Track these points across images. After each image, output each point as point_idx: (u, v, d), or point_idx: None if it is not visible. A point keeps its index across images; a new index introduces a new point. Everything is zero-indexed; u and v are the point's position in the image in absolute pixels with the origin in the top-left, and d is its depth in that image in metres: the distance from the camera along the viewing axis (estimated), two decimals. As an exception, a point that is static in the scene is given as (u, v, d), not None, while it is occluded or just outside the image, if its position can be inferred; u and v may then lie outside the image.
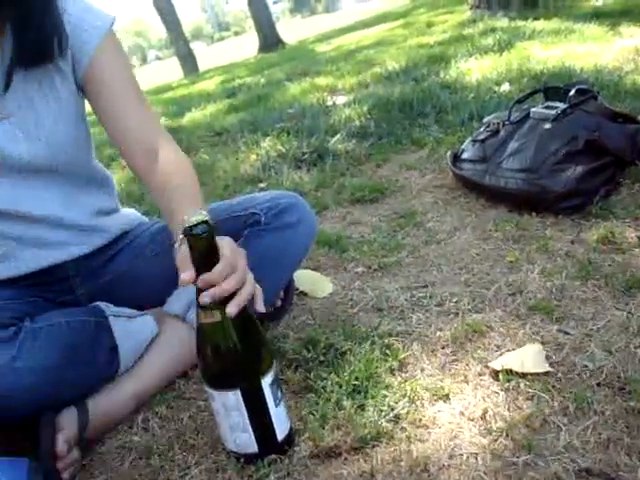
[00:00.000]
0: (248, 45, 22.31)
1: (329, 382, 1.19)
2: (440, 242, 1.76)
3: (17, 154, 1.24)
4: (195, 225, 0.94)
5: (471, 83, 3.22)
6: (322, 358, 1.28)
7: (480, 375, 1.18)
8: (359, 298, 1.54)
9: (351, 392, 1.16)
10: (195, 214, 0.96)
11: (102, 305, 1.34)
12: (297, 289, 1.61)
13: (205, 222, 0.94)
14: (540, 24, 4.68)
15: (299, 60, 6.32)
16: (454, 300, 1.45)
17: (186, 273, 0.95)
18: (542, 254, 1.58)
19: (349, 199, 2.19)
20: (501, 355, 1.22)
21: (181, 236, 1.00)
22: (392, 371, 1.22)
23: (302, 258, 1.52)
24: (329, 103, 3.44)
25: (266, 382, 1.02)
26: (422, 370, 1.22)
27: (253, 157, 2.78)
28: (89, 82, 1.27)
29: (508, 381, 1.13)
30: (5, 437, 1.17)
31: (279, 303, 1.52)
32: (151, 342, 1.34)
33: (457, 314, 1.40)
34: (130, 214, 1.57)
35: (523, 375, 1.14)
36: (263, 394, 1.02)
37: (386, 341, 1.32)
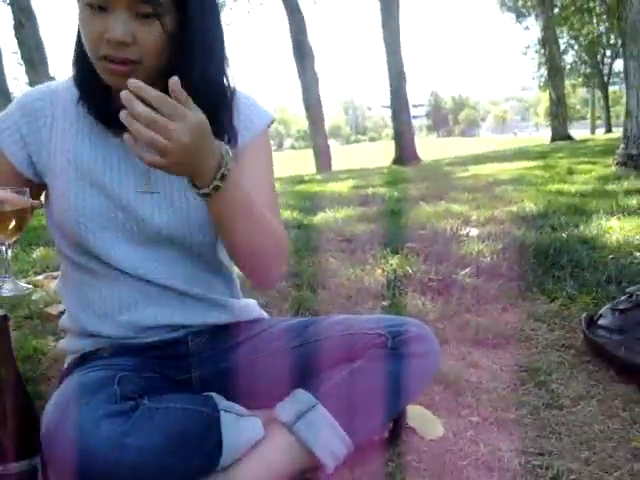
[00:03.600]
0: (381, 152, 23.01)
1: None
2: (562, 408, 1.67)
3: (157, 223, 1.31)
4: None
5: (611, 243, 3.13)
6: (426, 510, 1.22)
7: None
8: (470, 450, 1.47)
9: None
10: None
11: (216, 397, 1.33)
12: (407, 424, 1.55)
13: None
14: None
15: (434, 181, 6.41)
16: (571, 477, 1.36)
17: None
18: (672, 445, 1.46)
19: (471, 339, 2.13)
20: None
21: None
22: None
23: (421, 391, 1.48)
24: (462, 232, 3.42)
25: None
26: None
27: (379, 272, 2.79)
28: None
29: None
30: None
31: (387, 435, 1.47)
32: (254, 445, 1.31)
33: (573, 493, 1.30)
34: (251, 304, 1.59)
35: None
36: None
37: (495, 507, 1.24)
